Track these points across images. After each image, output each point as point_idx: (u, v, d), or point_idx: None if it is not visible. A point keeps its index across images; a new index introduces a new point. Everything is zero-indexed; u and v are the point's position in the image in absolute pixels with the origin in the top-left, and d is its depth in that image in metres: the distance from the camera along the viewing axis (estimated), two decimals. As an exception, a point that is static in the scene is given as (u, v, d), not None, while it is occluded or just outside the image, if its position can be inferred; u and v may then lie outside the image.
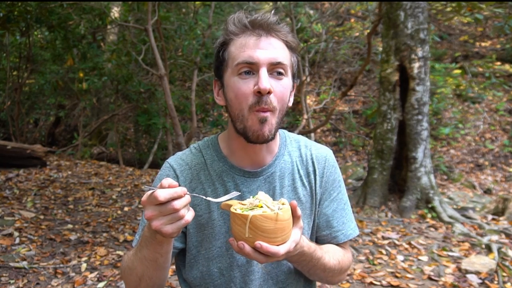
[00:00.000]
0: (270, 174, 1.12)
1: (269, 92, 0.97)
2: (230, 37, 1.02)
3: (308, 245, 1.00)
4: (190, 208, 0.87)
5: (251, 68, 0.99)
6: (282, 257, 0.87)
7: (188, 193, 0.86)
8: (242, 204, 0.92)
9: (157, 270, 0.98)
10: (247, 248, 0.85)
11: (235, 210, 0.89)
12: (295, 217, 0.92)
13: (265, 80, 0.97)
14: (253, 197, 0.94)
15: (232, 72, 1.01)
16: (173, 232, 0.84)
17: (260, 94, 0.97)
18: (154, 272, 0.99)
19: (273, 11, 1.07)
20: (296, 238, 0.91)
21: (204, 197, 0.94)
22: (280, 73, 1.01)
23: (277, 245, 0.86)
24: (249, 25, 1.00)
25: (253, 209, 0.89)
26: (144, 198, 0.85)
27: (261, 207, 0.89)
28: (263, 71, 0.98)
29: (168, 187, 0.83)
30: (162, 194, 0.81)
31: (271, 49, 0.99)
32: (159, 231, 0.84)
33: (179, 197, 0.83)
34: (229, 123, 1.10)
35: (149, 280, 1.00)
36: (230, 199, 0.96)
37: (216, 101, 1.11)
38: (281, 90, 1.01)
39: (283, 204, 0.91)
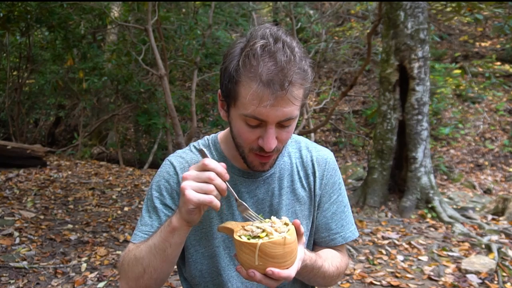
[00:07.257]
0: (269, 175, 1.13)
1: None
2: (241, 79, 0.92)
3: (310, 257, 1.01)
4: (218, 203, 0.87)
5: (259, 123, 0.95)
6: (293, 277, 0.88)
7: (227, 183, 0.88)
8: (245, 230, 0.90)
9: (164, 262, 0.97)
10: (258, 275, 0.85)
11: (241, 238, 0.87)
12: (298, 234, 0.91)
13: (271, 140, 0.95)
14: (260, 220, 0.93)
15: (239, 116, 0.95)
16: (192, 201, 0.84)
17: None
18: (160, 263, 0.97)
19: (300, 52, 0.94)
20: (302, 255, 0.92)
21: (236, 197, 0.95)
22: (288, 126, 0.98)
23: (287, 268, 0.86)
24: (266, 81, 0.89)
25: (258, 235, 0.87)
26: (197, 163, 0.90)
27: (265, 234, 0.87)
28: (271, 130, 0.94)
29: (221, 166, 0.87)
30: (208, 161, 0.87)
31: (284, 105, 0.91)
32: (183, 192, 0.86)
33: (219, 174, 0.86)
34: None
35: (154, 272, 0.98)
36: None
37: (220, 112, 1.08)
38: (287, 136, 1.00)
39: (286, 224, 0.90)
